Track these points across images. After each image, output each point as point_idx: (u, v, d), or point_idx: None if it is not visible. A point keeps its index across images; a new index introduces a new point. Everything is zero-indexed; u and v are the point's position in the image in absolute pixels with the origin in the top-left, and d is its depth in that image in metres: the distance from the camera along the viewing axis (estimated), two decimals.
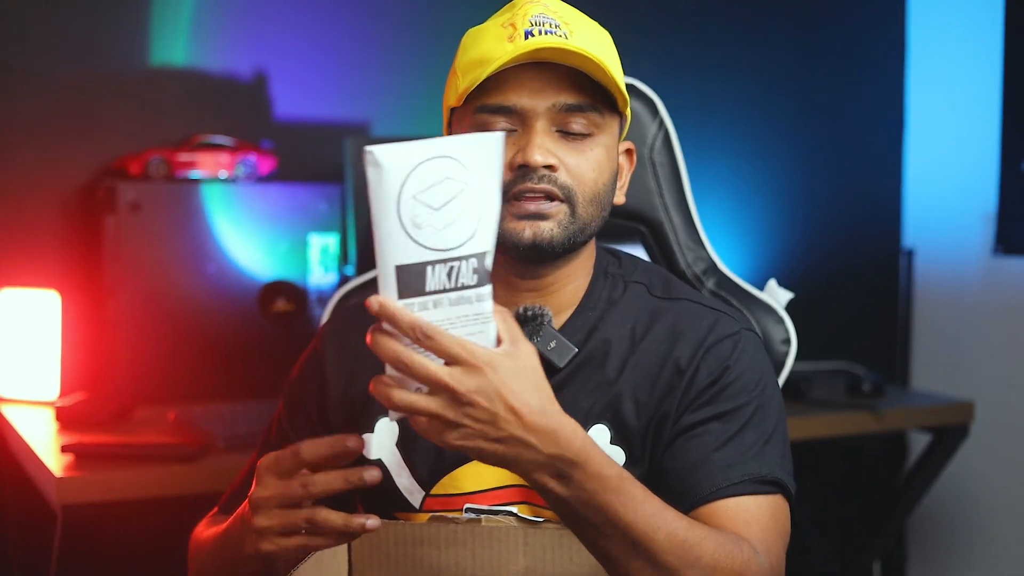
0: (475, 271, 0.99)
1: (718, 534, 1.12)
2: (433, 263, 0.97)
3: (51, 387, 2.26)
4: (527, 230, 1.22)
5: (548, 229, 1.22)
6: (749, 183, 3.00)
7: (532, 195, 1.22)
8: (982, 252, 2.96)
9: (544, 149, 1.22)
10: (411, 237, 0.96)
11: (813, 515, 2.91)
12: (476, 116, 1.25)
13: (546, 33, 1.21)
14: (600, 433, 1.26)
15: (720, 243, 1.67)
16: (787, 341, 1.57)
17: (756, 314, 1.58)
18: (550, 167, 1.22)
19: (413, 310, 0.97)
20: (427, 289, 0.97)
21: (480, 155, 0.98)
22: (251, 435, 1.99)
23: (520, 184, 1.22)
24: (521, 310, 1.28)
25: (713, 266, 1.63)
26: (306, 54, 2.57)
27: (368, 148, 0.94)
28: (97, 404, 2.12)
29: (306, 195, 2.39)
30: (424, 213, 0.96)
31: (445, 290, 0.98)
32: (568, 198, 1.23)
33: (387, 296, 0.96)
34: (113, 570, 2.30)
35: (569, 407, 1.24)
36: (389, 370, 0.98)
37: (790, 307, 1.61)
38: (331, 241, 2.41)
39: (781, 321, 1.57)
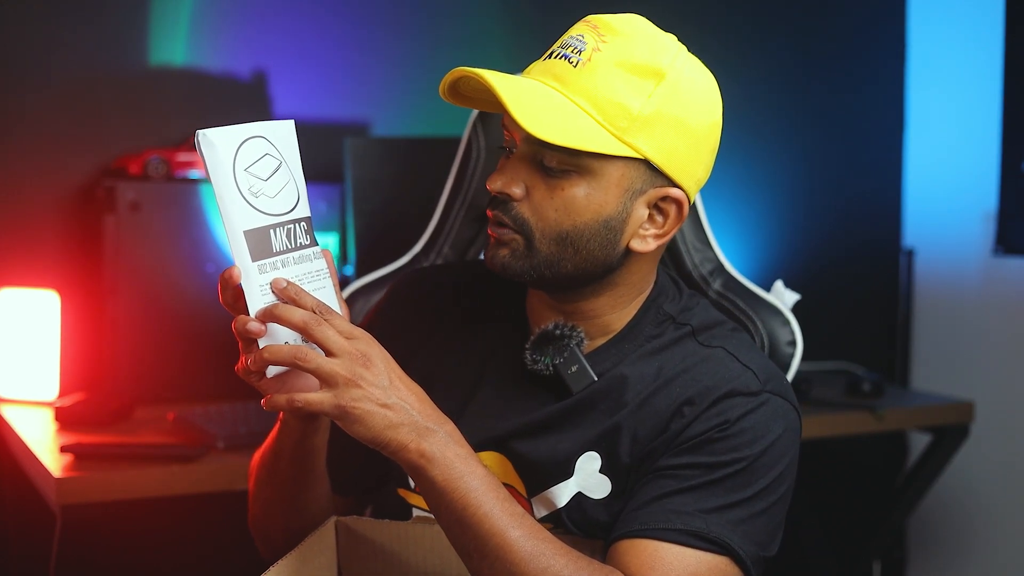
0: (307, 232, 1.13)
1: (579, 557, 1.12)
2: (274, 227, 1.10)
3: (50, 387, 2.25)
4: (487, 253, 1.24)
5: (502, 257, 1.22)
6: (747, 183, 3.00)
7: (493, 220, 1.23)
8: (982, 252, 2.96)
9: (508, 177, 1.20)
10: (251, 205, 1.09)
11: (813, 515, 2.90)
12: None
13: (561, 57, 1.19)
14: (591, 460, 1.25)
15: (719, 243, 1.67)
16: (792, 343, 1.57)
17: (762, 315, 1.57)
18: (508, 195, 1.20)
19: (267, 270, 1.09)
20: (274, 250, 1.10)
21: (281, 138, 1.13)
22: (251, 435, 1.99)
23: (486, 206, 1.24)
24: (552, 326, 1.27)
25: (720, 267, 1.62)
26: (306, 54, 2.57)
27: (199, 132, 1.07)
28: (96, 404, 2.12)
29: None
30: (257, 183, 1.09)
31: (288, 250, 1.11)
32: (523, 231, 1.20)
33: (242, 260, 1.08)
34: (113, 570, 2.29)
35: (570, 431, 1.25)
36: (264, 343, 1.09)
37: None
38: (330, 241, 2.41)
39: (787, 323, 1.57)
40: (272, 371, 1.11)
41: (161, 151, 2.29)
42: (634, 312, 1.29)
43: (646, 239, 1.24)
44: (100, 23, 2.40)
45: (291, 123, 1.14)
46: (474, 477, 1.10)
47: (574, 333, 1.26)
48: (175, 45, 2.45)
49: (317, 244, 1.15)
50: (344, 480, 1.38)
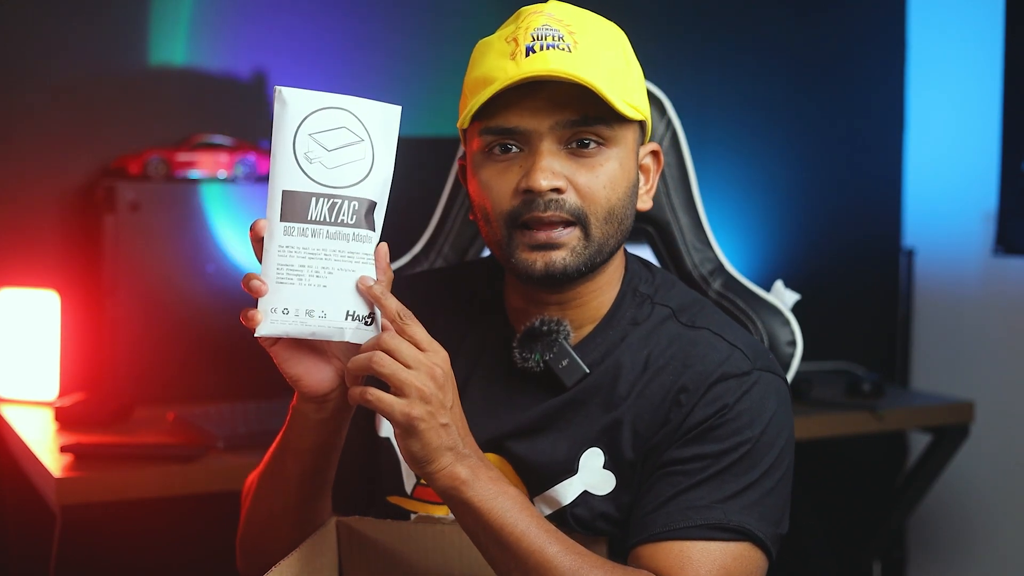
0: (355, 212, 1.10)
1: (614, 567, 1.13)
2: (317, 195, 1.09)
3: (50, 387, 2.25)
4: (538, 261, 1.20)
5: (561, 258, 1.20)
6: (748, 183, 3.00)
7: (542, 223, 1.19)
8: (982, 252, 2.96)
9: (549, 172, 1.18)
10: (301, 168, 1.08)
11: (813, 515, 2.90)
12: (483, 137, 1.21)
13: (547, 48, 1.17)
14: (594, 457, 1.25)
15: (719, 243, 1.67)
16: (792, 343, 1.57)
17: (762, 315, 1.57)
18: (557, 190, 1.18)
19: (293, 233, 1.08)
20: (308, 218, 1.08)
21: (378, 120, 1.11)
22: (251, 435, 1.99)
23: (528, 212, 1.19)
24: (537, 323, 1.26)
25: (720, 267, 1.62)
26: (306, 54, 2.57)
27: (277, 87, 1.08)
28: (96, 404, 2.12)
29: None
30: (317, 150, 1.09)
31: (325, 222, 1.09)
32: (580, 220, 1.19)
33: (271, 217, 1.07)
34: (112, 570, 2.29)
35: (569, 427, 1.25)
36: (266, 303, 1.07)
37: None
38: None
39: (787, 323, 1.57)
40: (259, 331, 1.08)
41: (161, 151, 2.29)
42: (614, 296, 1.29)
43: (643, 198, 1.28)
44: (100, 23, 2.40)
45: (397, 109, 1.12)
46: (507, 498, 1.11)
47: (561, 327, 1.26)
48: (175, 45, 2.45)
49: (372, 230, 1.11)
50: (341, 498, 1.36)
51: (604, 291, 1.28)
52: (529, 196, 1.18)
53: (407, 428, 1.07)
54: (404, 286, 1.43)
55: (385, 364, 1.06)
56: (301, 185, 1.08)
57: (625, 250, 1.32)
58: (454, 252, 1.73)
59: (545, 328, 1.26)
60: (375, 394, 1.07)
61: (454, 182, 1.75)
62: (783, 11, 3.04)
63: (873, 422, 2.56)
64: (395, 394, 1.07)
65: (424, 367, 1.08)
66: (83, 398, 2.14)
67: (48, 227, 2.36)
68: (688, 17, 2.94)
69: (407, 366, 1.07)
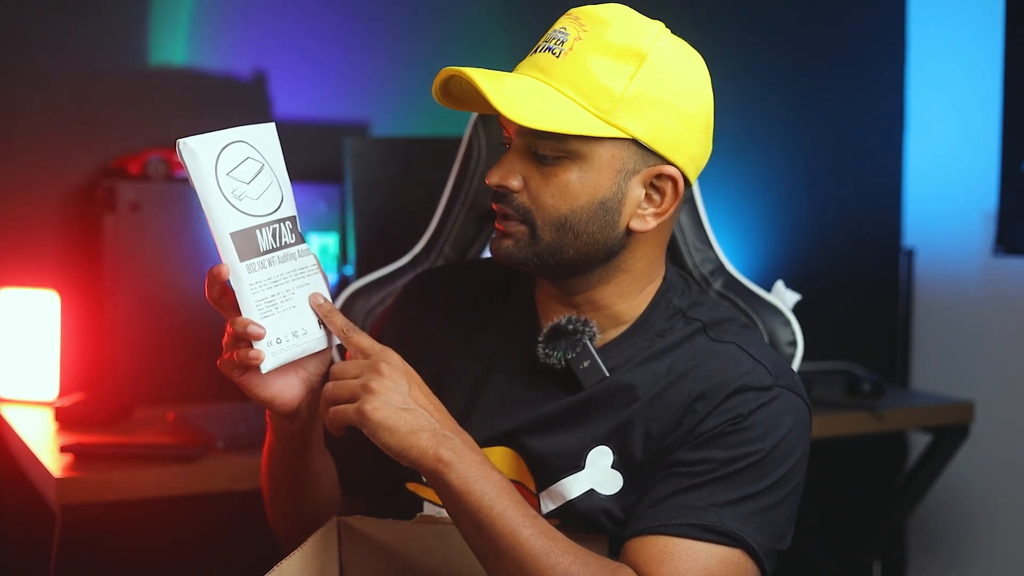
0: (291, 231, 1.17)
1: (587, 554, 1.14)
2: (259, 227, 1.14)
3: (50, 387, 2.25)
4: (494, 245, 1.27)
5: (505, 247, 1.24)
6: (748, 183, 3.00)
7: (499, 213, 1.25)
8: (982, 252, 2.96)
9: (505, 170, 1.23)
10: (236, 207, 1.13)
11: (813, 515, 2.90)
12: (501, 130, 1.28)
13: (544, 51, 1.22)
14: (603, 455, 1.25)
15: (720, 243, 1.67)
16: (793, 343, 1.57)
17: (762, 316, 1.57)
18: (508, 188, 1.22)
19: (255, 269, 1.13)
20: (261, 250, 1.14)
21: (265, 141, 1.18)
22: (250, 435, 1.99)
23: (493, 202, 1.27)
24: (564, 321, 1.28)
25: (721, 267, 1.62)
26: (306, 54, 2.57)
27: (179, 141, 1.12)
28: (96, 404, 2.11)
29: (305, 195, 2.38)
30: (240, 187, 1.13)
31: (274, 249, 1.15)
32: (525, 220, 1.23)
33: (230, 261, 1.12)
34: (112, 570, 2.29)
35: (581, 425, 1.25)
36: (260, 345, 1.13)
37: None
38: (330, 241, 2.41)
39: (788, 323, 1.57)
40: (265, 367, 1.14)
41: (161, 151, 2.29)
42: (645, 304, 1.30)
43: (645, 218, 1.25)
44: (100, 23, 2.40)
45: (272, 126, 1.19)
46: (488, 481, 1.12)
47: (587, 328, 1.27)
48: (175, 45, 2.45)
49: (304, 242, 1.19)
50: (353, 480, 1.39)
51: (623, 299, 1.29)
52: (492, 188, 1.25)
53: (367, 424, 1.12)
54: (429, 276, 1.47)
55: (328, 390, 1.15)
56: (243, 223, 1.13)
57: (667, 263, 1.33)
58: (454, 252, 1.73)
59: (571, 327, 1.27)
60: (335, 409, 1.14)
61: (455, 182, 1.75)
62: (783, 11, 3.04)
63: (873, 422, 2.56)
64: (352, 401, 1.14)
65: (367, 368, 1.14)
66: (83, 398, 2.14)
67: (48, 227, 2.36)
68: (687, 17, 2.94)
69: (354, 378, 1.14)
